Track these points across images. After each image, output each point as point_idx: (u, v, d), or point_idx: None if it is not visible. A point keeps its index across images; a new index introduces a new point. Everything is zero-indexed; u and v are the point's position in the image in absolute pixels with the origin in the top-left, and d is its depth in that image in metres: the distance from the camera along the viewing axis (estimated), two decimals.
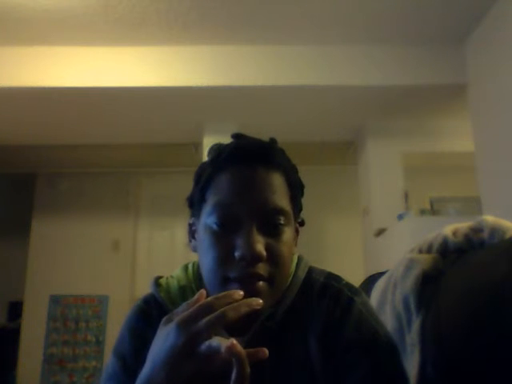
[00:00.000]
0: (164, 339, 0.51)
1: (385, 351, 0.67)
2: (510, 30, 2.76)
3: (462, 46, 3.32)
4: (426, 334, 0.80)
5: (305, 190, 0.77)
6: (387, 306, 0.94)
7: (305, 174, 0.77)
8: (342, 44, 3.35)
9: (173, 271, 0.81)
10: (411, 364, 0.81)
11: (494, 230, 0.81)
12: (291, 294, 0.72)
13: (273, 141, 0.75)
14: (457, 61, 3.32)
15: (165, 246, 4.93)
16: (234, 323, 0.49)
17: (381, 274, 1.09)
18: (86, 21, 3.03)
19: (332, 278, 0.75)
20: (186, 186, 0.80)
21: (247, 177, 0.68)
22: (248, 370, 0.45)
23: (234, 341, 0.45)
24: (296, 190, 0.73)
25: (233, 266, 0.64)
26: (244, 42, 3.32)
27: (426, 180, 4.40)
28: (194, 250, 0.74)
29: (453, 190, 4.36)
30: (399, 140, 3.96)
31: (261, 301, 0.52)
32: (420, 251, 0.93)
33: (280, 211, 0.67)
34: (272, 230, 0.66)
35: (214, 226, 0.67)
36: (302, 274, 0.75)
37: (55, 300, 4.78)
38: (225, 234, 0.66)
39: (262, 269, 0.64)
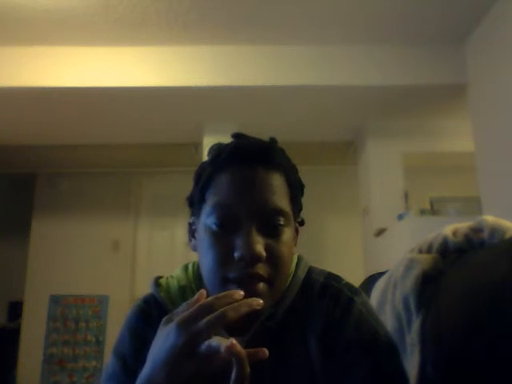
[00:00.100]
0: (164, 339, 0.51)
1: (385, 351, 0.67)
2: (509, 30, 2.76)
3: (462, 46, 3.32)
4: (426, 333, 0.80)
5: (305, 190, 0.77)
6: (387, 306, 0.94)
7: (305, 174, 0.77)
8: (342, 44, 3.35)
9: (173, 271, 0.81)
10: (411, 364, 0.81)
11: (494, 230, 0.81)
12: (291, 294, 0.72)
13: (273, 140, 0.75)
14: (457, 61, 3.32)
15: (165, 246, 4.93)
16: (234, 323, 0.49)
17: (381, 274, 1.09)
18: (86, 21, 3.03)
19: (332, 278, 0.75)
20: (186, 185, 0.80)
21: (247, 177, 0.68)
22: (248, 369, 0.45)
23: (233, 341, 0.45)
24: (296, 190, 0.73)
25: (232, 267, 0.64)
26: (244, 41, 3.32)
27: (426, 180, 4.40)
28: (194, 249, 0.74)
29: (453, 189, 4.36)
30: (399, 140, 3.96)
31: (261, 301, 0.52)
32: (420, 251, 0.93)
33: (280, 212, 0.67)
34: (272, 231, 0.66)
35: (214, 227, 0.67)
36: (301, 274, 0.75)
37: (55, 300, 4.78)
38: (224, 235, 0.66)
39: (261, 269, 0.64)
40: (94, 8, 2.91)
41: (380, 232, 3.61)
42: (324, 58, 3.37)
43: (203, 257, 0.68)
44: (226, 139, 0.75)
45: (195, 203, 0.72)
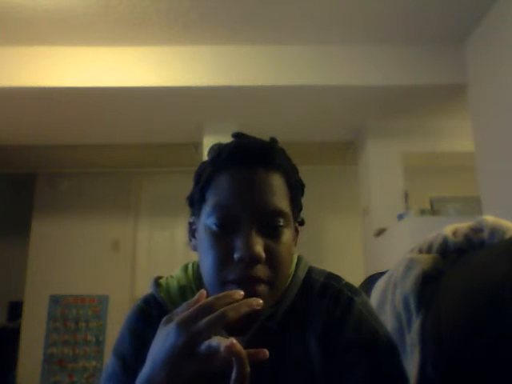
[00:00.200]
0: (164, 339, 0.51)
1: (385, 351, 0.67)
2: (509, 30, 2.76)
3: (462, 46, 3.32)
4: (426, 333, 0.80)
5: (305, 190, 0.77)
6: (387, 306, 0.94)
7: (305, 174, 0.77)
8: (342, 44, 3.35)
9: (173, 271, 0.81)
10: (411, 364, 0.81)
11: (494, 230, 0.81)
12: (291, 294, 0.72)
13: (273, 140, 0.75)
14: (457, 61, 3.32)
15: (165, 246, 4.93)
16: (234, 323, 0.49)
17: (381, 274, 1.09)
18: (86, 21, 3.03)
19: (332, 278, 0.75)
20: (186, 185, 0.80)
21: (247, 178, 0.68)
22: (248, 369, 0.45)
23: (233, 340, 0.45)
24: (296, 190, 0.73)
25: (232, 268, 0.64)
26: (244, 41, 3.32)
27: (426, 180, 4.40)
28: (195, 248, 0.74)
29: (453, 189, 4.36)
30: (399, 140, 3.96)
31: (261, 301, 0.52)
32: (420, 251, 0.93)
33: (280, 213, 0.67)
34: (271, 232, 0.66)
35: (214, 227, 0.67)
36: (301, 274, 0.75)
37: (55, 300, 4.78)
38: (224, 235, 0.66)
39: (260, 271, 0.64)
40: (94, 8, 2.91)
41: (380, 232, 3.61)
42: (324, 58, 3.37)
43: (203, 257, 0.68)
44: (226, 139, 0.75)
45: (195, 203, 0.72)
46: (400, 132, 3.96)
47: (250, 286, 0.63)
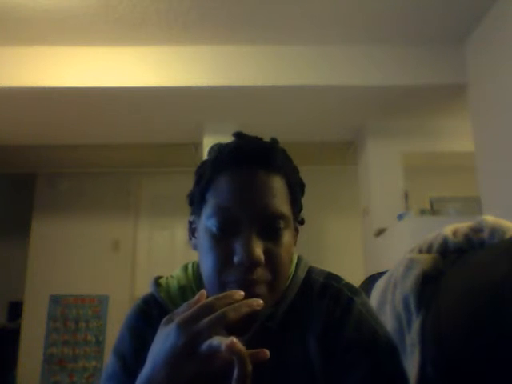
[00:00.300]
0: (164, 339, 0.51)
1: (385, 351, 0.67)
2: (509, 30, 2.76)
3: (462, 46, 3.32)
4: (426, 334, 0.80)
5: (305, 190, 0.77)
6: (387, 306, 0.94)
7: (305, 174, 0.77)
8: (342, 44, 3.35)
9: (173, 271, 0.81)
10: (411, 364, 0.81)
11: (494, 230, 0.81)
12: (291, 294, 0.72)
13: (274, 141, 0.74)
14: (457, 61, 3.32)
15: (165, 246, 4.93)
16: (234, 324, 0.49)
17: (381, 274, 1.09)
18: (86, 21, 3.03)
19: (332, 278, 0.75)
20: (186, 185, 0.80)
21: (247, 180, 0.67)
22: (250, 367, 0.45)
23: (234, 339, 0.45)
24: (296, 191, 0.73)
25: (232, 270, 0.64)
26: (244, 41, 3.32)
27: (426, 180, 4.40)
28: (195, 247, 0.74)
29: (453, 189, 4.36)
30: (399, 140, 3.96)
31: (261, 301, 0.52)
32: (420, 251, 0.93)
33: (280, 216, 0.67)
34: (271, 235, 0.66)
35: (214, 229, 0.67)
36: (301, 274, 0.75)
37: (55, 300, 4.78)
38: (224, 238, 0.66)
39: (260, 274, 0.64)
40: (94, 8, 2.91)
41: (380, 232, 3.61)
42: (324, 58, 3.37)
43: (203, 259, 0.68)
44: (226, 139, 0.74)
45: (195, 203, 0.72)
46: (400, 132, 3.96)
47: (249, 288, 0.62)
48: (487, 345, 0.66)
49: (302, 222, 0.77)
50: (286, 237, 0.68)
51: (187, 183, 0.82)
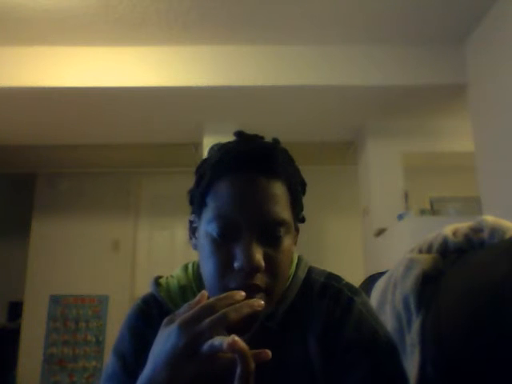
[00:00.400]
0: (165, 340, 0.51)
1: (385, 351, 0.67)
2: (509, 30, 2.76)
3: (462, 46, 3.32)
4: (426, 334, 0.80)
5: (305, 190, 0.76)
6: (387, 306, 0.94)
7: (305, 174, 0.77)
8: (342, 44, 3.35)
9: (173, 271, 0.81)
10: (411, 364, 0.81)
11: (494, 230, 0.81)
12: (291, 294, 0.73)
13: (276, 142, 0.74)
14: (457, 61, 3.32)
15: (165, 246, 4.93)
16: (235, 324, 0.49)
17: (381, 274, 1.09)
18: (86, 21, 3.03)
19: (332, 278, 0.75)
20: (186, 185, 0.79)
21: (248, 186, 0.67)
22: (253, 365, 0.45)
23: (235, 337, 0.45)
24: (298, 194, 0.72)
25: (232, 276, 0.64)
26: (244, 41, 3.32)
27: (426, 180, 4.40)
28: (195, 247, 0.74)
29: (453, 189, 4.36)
30: (399, 140, 3.95)
31: (262, 302, 0.52)
32: (420, 251, 0.93)
33: (280, 223, 0.67)
34: (271, 241, 0.66)
35: (214, 234, 0.66)
36: (302, 275, 0.75)
37: (55, 300, 4.78)
38: (225, 243, 0.66)
39: (260, 280, 0.64)
40: (94, 8, 2.91)
41: (380, 232, 3.61)
42: (324, 58, 3.37)
43: (204, 263, 0.68)
44: (226, 139, 0.74)
45: (196, 203, 0.72)
46: (400, 132, 3.96)
47: (249, 293, 0.63)
48: (487, 345, 0.66)
49: (302, 221, 0.77)
50: (286, 242, 0.68)
51: (187, 183, 0.82)
